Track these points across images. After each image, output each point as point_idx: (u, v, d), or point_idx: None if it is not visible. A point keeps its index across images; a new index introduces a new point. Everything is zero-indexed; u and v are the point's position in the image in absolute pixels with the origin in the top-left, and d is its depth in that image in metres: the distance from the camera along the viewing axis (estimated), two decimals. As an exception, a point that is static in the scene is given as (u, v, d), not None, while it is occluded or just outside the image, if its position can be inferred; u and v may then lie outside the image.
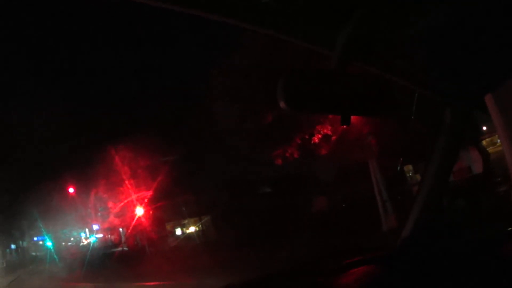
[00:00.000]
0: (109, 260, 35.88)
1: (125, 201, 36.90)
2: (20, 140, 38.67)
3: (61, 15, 58.15)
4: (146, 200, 37.13)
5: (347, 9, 2.30)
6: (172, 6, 2.11)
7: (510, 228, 3.83)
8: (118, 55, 65.78)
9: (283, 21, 2.35)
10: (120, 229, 42.60)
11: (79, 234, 55.47)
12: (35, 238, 56.73)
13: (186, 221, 45.90)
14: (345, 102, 2.36)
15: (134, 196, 36.66)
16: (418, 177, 29.78)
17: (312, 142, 22.05)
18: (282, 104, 2.20)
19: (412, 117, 3.42)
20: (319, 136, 21.62)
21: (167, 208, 38.40)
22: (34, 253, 57.91)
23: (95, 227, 49.48)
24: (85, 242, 55.15)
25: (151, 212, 37.84)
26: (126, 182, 35.61)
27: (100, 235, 50.80)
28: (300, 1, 2.26)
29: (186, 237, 44.81)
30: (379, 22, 2.43)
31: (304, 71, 2.36)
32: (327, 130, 21.09)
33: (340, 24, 2.33)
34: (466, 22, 2.65)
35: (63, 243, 54.40)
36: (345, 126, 2.50)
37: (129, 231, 39.60)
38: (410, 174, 34.66)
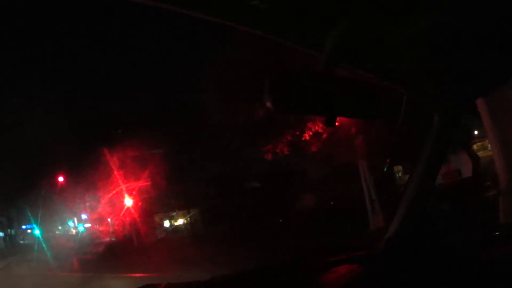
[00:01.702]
0: (97, 250, 35.82)
1: (114, 191, 36.84)
2: (10, 129, 38.46)
3: (53, 11, 57.92)
4: (135, 191, 37.10)
5: (336, 12, 2.30)
6: (159, 4, 2.11)
7: (496, 233, 3.85)
8: (108, 48, 65.59)
9: (271, 22, 2.35)
10: (109, 220, 42.53)
11: (67, 223, 55.36)
12: (24, 226, 56.62)
13: (174, 214, 45.95)
14: (330, 104, 2.37)
15: (123, 187, 36.61)
16: (408, 178, 29.89)
17: (302, 139, 22.06)
18: (268, 104, 2.22)
19: (400, 121, 3.43)
20: (310, 133, 21.63)
21: (156, 200, 38.38)
22: (22, 241, 57.80)
23: (84, 216, 49.43)
24: (74, 231, 55.06)
25: (139, 204, 37.79)
26: (116, 172, 35.54)
27: (89, 225, 50.70)
28: (289, 3, 2.26)
29: (174, 229, 44.83)
30: (368, 25, 2.43)
31: (291, 71, 2.37)
32: (318, 127, 21.09)
33: (329, 26, 2.34)
34: (457, 27, 2.65)
35: (51, 232, 54.24)
36: (327, 126, 2.49)
37: (117, 221, 39.56)
38: (400, 175, 34.73)
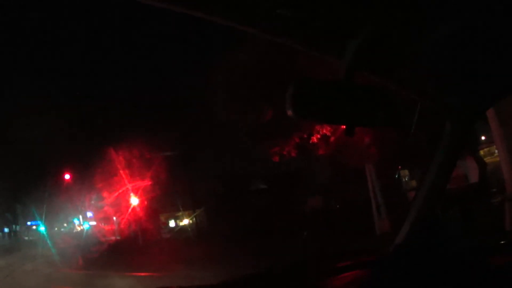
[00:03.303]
0: (102, 248, 35.83)
1: (120, 190, 36.92)
2: (17, 127, 38.57)
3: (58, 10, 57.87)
4: (140, 190, 37.18)
5: (357, 21, 2.32)
6: (188, 11, 2.14)
7: (503, 240, 3.86)
8: (118, 46, 65.59)
9: (294, 30, 2.37)
10: (114, 218, 42.59)
11: (73, 220, 55.43)
12: (29, 223, 56.65)
13: (180, 213, 45.97)
14: (351, 113, 2.40)
15: (129, 186, 36.71)
16: (414, 183, 29.89)
17: (310, 141, 22.03)
18: (289, 112, 2.24)
19: (413, 127, 3.45)
20: (318, 136, 21.61)
21: (162, 199, 38.44)
22: (27, 238, 57.77)
23: (89, 214, 49.51)
24: (79, 229, 55.12)
25: (145, 203, 37.85)
26: (122, 171, 35.65)
27: (94, 223, 50.76)
28: (312, 11, 2.28)
29: (180, 229, 44.89)
30: (388, 34, 2.46)
31: (312, 79, 2.40)
32: (326, 130, 21.08)
33: (350, 34, 2.36)
34: (470, 37, 2.67)
35: (56, 229, 54.32)
36: (347, 136, 2.51)
37: (123, 220, 39.60)
38: (406, 179, 34.68)
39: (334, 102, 2.35)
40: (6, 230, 59.06)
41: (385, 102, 2.53)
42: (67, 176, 42.01)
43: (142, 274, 20.41)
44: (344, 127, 2.53)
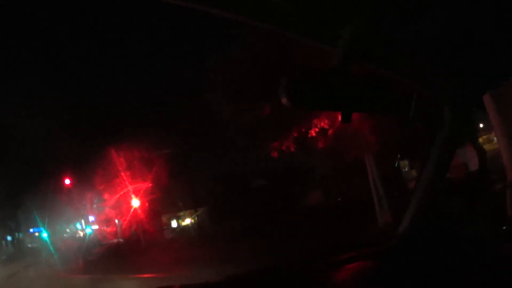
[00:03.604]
0: (105, 251, 35.85)
1: (121, 192, 36.88)
2: (17, 132, 38.50)
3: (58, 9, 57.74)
4: (142, 192, 37.14)
5: (352, 8, 2.31)
6: (181, 2, 2.12)
7: (504, 227, 3.85)
8: (115, 45, 65.44)
9: (290, 18, 2.36)
10: (116, 221, 42.56)
11: (75, 225, 55.35)
12: (31, 230, 56.51)
13: (182, 214, 45.96)
14: (346, 99, 2.39)
15: (130, 188, 36.66)
16: (414, 173, 29.85)
17: (309, 135, 21.99)
18: (284, 100, 2.23)
19: (410, 115, 3.43)
20: (316, 129, 21.56)
21: (163, 200, 38.40)
22: (29, 245, 57.68)
23: (91, 218, 49.45)
24: (81, 234, 55.06)
25: (147, 204, 37.82)
26: (122, 174, 35.61)
27: (96, 227, 50.70)
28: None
29: (182, 229, 44.88)
30: (383, 21, 2.44)
31: (306, 68, 2.38)
32: (324, 123, 21.03)
33: (344, 22, 2.35)
34: (466, 22, 2.66)
35: (59, 235, 54.20)
36: (343, 122, 2.50)
37: (125, 223, 39.57)
38: (406, 170, 34.66)
39: (329, 89, 2.35)
40: (9, 238, 58.98)
41: (382, 90, 2.52)
42: (67, 181, 42.02)
43: (146, 275, 20.45)
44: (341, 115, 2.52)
